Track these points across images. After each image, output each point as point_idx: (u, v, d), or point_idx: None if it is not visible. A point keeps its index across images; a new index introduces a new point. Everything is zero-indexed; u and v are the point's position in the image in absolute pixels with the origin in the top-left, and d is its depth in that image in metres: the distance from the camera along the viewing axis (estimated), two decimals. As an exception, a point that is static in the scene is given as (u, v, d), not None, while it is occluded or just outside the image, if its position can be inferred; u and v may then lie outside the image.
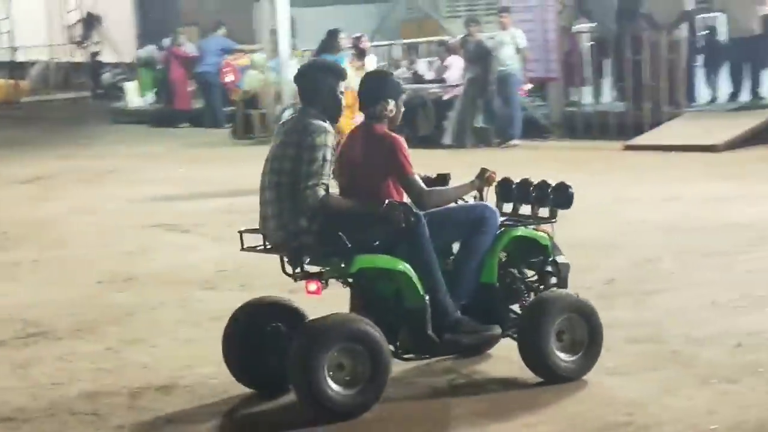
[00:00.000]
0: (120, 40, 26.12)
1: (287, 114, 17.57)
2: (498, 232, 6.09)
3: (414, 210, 5.86)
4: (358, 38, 14.10)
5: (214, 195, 13.03)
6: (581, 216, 10.51)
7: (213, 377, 6.51)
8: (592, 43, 17.58)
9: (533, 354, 5.99)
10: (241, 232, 6.38)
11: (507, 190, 6.43)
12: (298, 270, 5.96)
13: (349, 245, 5.69)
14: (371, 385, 5.67)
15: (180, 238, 10.80)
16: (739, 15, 16.06)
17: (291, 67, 19.12)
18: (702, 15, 19.64)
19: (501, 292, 6.14)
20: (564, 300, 6.06)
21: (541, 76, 17.01)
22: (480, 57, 16.29)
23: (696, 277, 8.15)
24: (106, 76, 26.23)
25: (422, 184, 6.03)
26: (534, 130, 16.77)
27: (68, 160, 17.09)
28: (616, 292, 7.87)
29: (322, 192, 5.79)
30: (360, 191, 5.98)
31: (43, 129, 22.32)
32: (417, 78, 17.52)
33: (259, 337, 6.09)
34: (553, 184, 6.35)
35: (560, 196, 6.29)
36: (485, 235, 6.02)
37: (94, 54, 28.23)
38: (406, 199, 6.03)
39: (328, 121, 5.95)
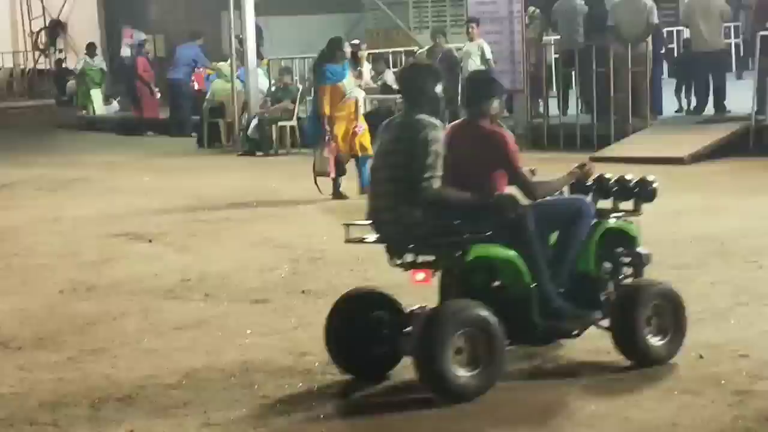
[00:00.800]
0: (85, 48, 26.00)
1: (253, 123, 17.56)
2: (593, 224, 6.50)
3: (521, 202, 6.29)
4: (356, 46, 14.29)
5: (179, 205, 12.97)
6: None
7: (175, 387, 6.47)
8: (558, 55, 17.63)
9: (627, 339, 6.32)
10: (347, 225, 6.64)
11: (602, 185, 6.76)
12: (402, 260, 6.30)
13: (466, 236, 6.03)
14: (488, 368, 5.96)
15: (144, 247, 10.74)
16: (704, 30, 16.17)
17: (258, 76, 19.14)
18: (668, 29, 19.87)
19: (597, 279, 6.53)
20: (653, 287, 6.46)
21: (507, 88, 17.02)
22: (447, 68, 16.30)
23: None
24: (71, 84, 26.09)
25: (530, 178, 6.46)
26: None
27: (32, 168, 17.00)
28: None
29: (438, 184, 6.11)
30: (466, 185, 6.28)
31: (6, 137, 22.17)
32: (385, 88, 17.51)
33: (363, 325, 6.39)
34: (636, 180, 6.73)
35: (644, 191, 6.69)
36: (583, 226, 6.44)
37: (59, 61, 28.10)
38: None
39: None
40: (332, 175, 12.98)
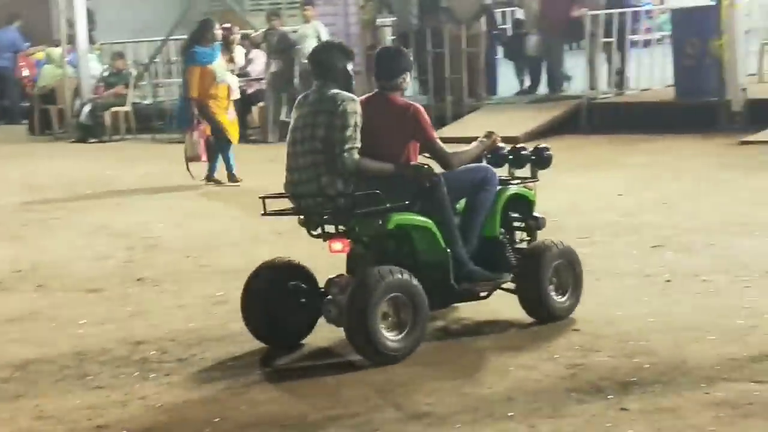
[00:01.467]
0: None
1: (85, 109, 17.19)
2: (497, 191, 6.82)
3: (434, 171, 6.56)
4: (228, 29, 13.88)
5: (9, 193, 12.64)
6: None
7: (7, 381, 6.33)
8: (394, 37, 17.71)
9: (532, 298, 6.74)
10: (263, 197, 6.75)
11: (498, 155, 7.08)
12: (318, 232, 6.57)
13: (388, 205, 6.29)
14: (414, 331, 6.26)
15: (-27, 238, 10.45)
16: (537, 9, 16.45)
17: (90, 61, 18.75)
18: (502, 9, 20.14)
19: (502, 243, 6.88)
20: (554, 249, 6.83)
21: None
22: (283, 50, 16.25)
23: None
24: None
25: (446, 148, 6.69)
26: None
27: None
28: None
29: (356, 156, 6.35)
30: (380, 156, 6.48)
31: None
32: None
33: (279, 295, 6.58)
34: (531, 149, 7.17)
35: (541, 158, 7.17)
36: (488, 193, 6.76)
37: None
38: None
39: None
40: (203, 158, 12.65)
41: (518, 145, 7.26)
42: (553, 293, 6.79)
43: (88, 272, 8.88)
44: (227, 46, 13.48)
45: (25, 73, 20.51)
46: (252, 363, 6.40)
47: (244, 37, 17.66)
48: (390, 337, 6.19)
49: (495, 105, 16.45)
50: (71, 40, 18.68)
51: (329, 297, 6.47)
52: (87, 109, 17.87)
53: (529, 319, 6.77)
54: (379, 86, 6.80)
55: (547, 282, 6.74)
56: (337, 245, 6.41)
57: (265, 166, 13.95)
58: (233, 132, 12.78)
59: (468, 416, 5.39)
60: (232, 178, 12.74)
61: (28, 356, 6.77)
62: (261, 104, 16.60)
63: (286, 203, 6.71)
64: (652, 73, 16.00)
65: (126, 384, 6.17)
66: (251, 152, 15.49)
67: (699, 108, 14.56)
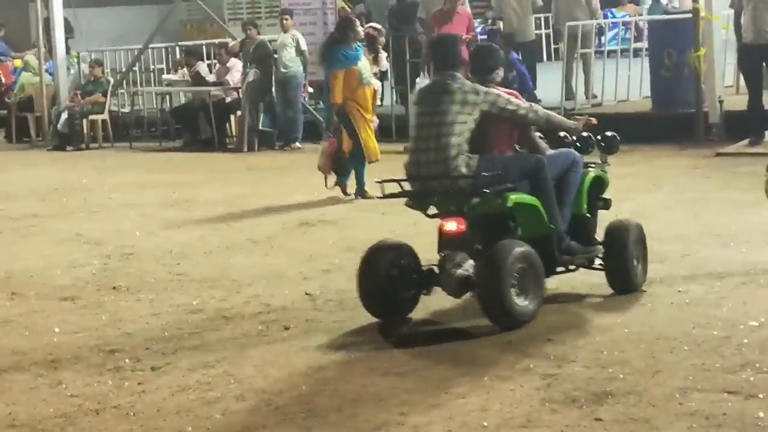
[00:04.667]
0: None
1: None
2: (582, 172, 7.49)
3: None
4: (376, 29, 13.02)
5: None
6: (359, 219, 10.65)
7: (-21, 390, 6.28)
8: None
9: (621, 271, 7.45)
10: (380, 182, 7.39)
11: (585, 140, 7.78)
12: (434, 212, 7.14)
13: (509, 185, 6.96)
14: (536, 297, 6.90)
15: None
16: (515, 22, 16.52)
17: (68, 68, 18.71)
18: (479, 20, 20.20)
19: (589, 220, 7.53)
20: (633, 227, 7.59)
21: (321, 80, 17.05)
22: (260, 59, 16.24)
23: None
24: None
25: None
26: (317, 133, 16.83)
27: None
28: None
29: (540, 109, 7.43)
30: (491, 140, 7.20)
31: None
32: (198, 80, 17.32)
33: (392, 273, 7.09)
34: (602, 136, 7.84)
35: (610, 145, 7.86)
36: (577, 174, 7.40)
37: None
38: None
39: None
40: (326, 171, 11.74)
41: (584, 134, 7.76)
42: (635, 268, 7.48)
43: (62, 280, 8.84)
44: (372, 46, 12.52)
45: (2, 80, 20.46)
46: (225, 372, 6.37)
47: (222, 46, 17.68)
48: (519, 302, 6.79)
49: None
50: (49, 47, 18.61)
51: (449, 271, 6.90)
52: (64, 117, 17.81)
53: (503, 329, 6.77)
54: (478, 80, 7.31)
55: (633, 257, 7.43)
56: (452, 224, 6.92)
57: (242, 175, 13.98)
58: (373, 149, 11.75)
59: (442, 426, 5.38)
60: (363, 193, 11.76)
61: (1, 364, 6.73)
62: (239, 113, 16.57)
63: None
64: (628, 84, 16.05)
65: (100, 392, 6.13)
66: (228, 161, 15.50)
67: (676, 119, 14.62)
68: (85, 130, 17.75)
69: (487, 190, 6.87)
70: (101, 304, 8.05)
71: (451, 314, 7.30)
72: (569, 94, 15.95)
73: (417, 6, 16.64)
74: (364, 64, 11.81)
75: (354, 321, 7.22)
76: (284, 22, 16.39)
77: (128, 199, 12.48)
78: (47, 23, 18.60)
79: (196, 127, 17.18)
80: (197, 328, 7.29)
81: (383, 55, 13.04)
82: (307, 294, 7.97)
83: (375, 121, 12.10)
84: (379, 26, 13.31)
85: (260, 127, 16.35)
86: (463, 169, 6.95)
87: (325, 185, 11.78)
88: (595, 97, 15.95)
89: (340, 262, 8.91)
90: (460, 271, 6.87)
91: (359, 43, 11.94)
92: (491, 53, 7.58)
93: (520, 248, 6.85)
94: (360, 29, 12.03)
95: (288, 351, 6.69)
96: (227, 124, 17.06)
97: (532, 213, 7.08)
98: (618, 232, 7.49)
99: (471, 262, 6.92)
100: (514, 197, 6.95)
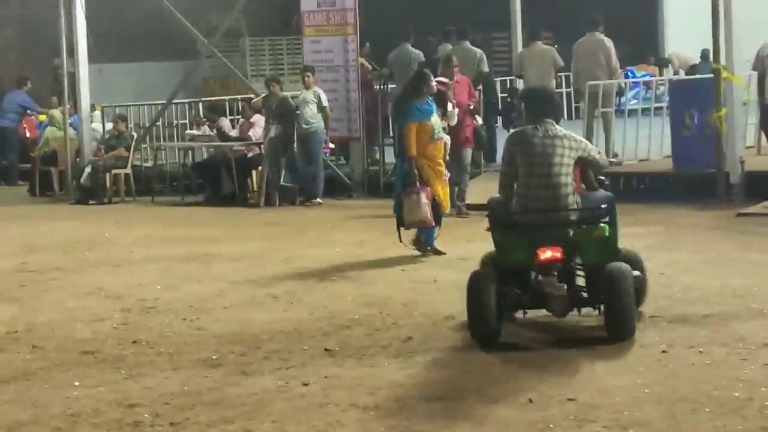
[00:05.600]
0: None
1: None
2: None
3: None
4: (443, 84, 12.73)
5: (8, 254, 12.64)
6: (379, 275, 10.66)
7: (-1, 443, 6.29)
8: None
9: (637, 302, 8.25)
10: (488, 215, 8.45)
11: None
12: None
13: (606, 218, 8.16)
14: (639, 312, 8.30)
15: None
16: (534, 79, 16.60)
17: (93, 123, 18.87)
18: (501, 78, 20.31)
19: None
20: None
21: (343, 136, 17.18)
22: (282, 115, 16.34)
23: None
24: None
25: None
26: (337, 188, 16.91)
27: None
28: (413, 349, 7.92)
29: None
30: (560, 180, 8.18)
31: None
32: (221, 135, 17.44)
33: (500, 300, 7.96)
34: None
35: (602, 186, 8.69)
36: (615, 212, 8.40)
37: None
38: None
39: None
40: (432, 223, 11.42)
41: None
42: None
43: (83, 334, 8.86)
44: (441, 101, 12.30)
45: (27, 134, 20.65)
46: (244, 428, 6.37)
47: (244, 101, 17.81)
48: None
49: (494, 173, 16.47)
50: (74, 102, 18.79)
51: (554, 293, 7.89)
52: (87, 171, 17.94)
53: (522, 389, 6.74)
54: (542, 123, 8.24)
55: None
56: (548, 253, 7.83)
57: (263, 230, 14.02)
58: (446, 200, 11.73)
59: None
60: (433, 248, 11.56)
61: (21, 418, 6.74)
62: (260, 168, 16.66)
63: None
64: (649, 143, 16.07)
65: (118, 447, 6.14)
66: (249, 216, 15.55)
67: (697, 179, 14.62)
68: (108, 184, 17.86)
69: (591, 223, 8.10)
70: (121, 358, 8.07)
71: (470, 374, 7.29)
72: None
73: (438, 62, 16.71)
74: (435, 119, 11.66)
75: (373, 378, 7.21)
76: (306, 78, 16.50)
77: (149, 253, 12.53)
78: (72, 78, 18.77)
79: (217, 182, 17.27)
80: (216, 383, 7.29)
81: (454, 111, 12.75)
82: (326, 350, 7.97)
83: (447, 175, 11.81)
84: (446, 80, 13.19)
85: (281, 182, 16.42)
86: (574, 205, 8.14)
87: (399, 239, 11.45)
88: (616, 156, 15.97)
89: (359, 318, 8.91)
90: (563, 293, 7.91)
91: (430, 98, 11.73)
92: (556, 103, 8.77)
93: (630, 270, 7.88)
94: (433, 83, 11.85)
95: (307, 407, 6.68)
96: (249, 180, 17.13)
97: (608, 242, 8.08)
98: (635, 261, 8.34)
99: (563, 284, 7.91)
100: (603, 228, 8.06)
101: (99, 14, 18.97)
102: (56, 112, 19.65)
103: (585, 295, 8.11)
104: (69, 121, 18.92)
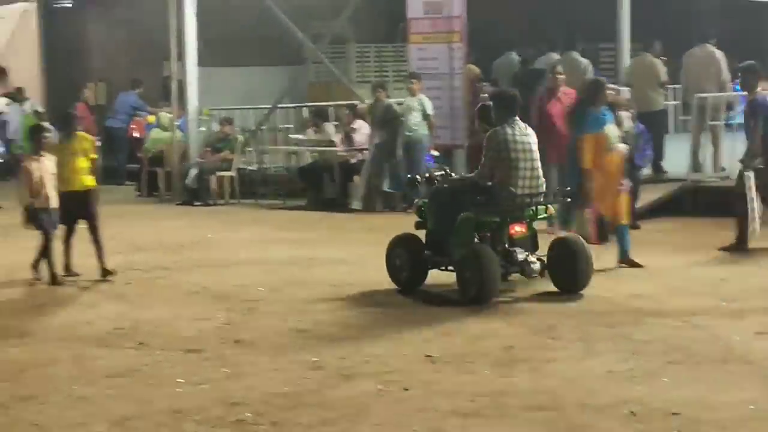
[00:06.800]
0: (27, 95, 25.82)
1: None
2: None
3: None
4: (614, 90, 12.37)
5: (116, 252, 12.83)
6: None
7: (104, 436, 6.41)
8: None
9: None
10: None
11: None
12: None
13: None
14: None
15: (78, 294, 10.64)
16: (642, 91, 16.42)
17: (199, 126, 19.14)
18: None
19: None
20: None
21: (447, 143, 17.18)
22: (387, 122, 16.40)
23: (595, 346, 8.20)
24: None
25: None
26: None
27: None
28: (514, 358, 7.90)
29: None
30: None
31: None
32: (325, 141, 17.57)
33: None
34: None
35: None
36: None
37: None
38: None
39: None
40: (592, 240, 11.09)
41: None
42: None
43: (187, 332, 9.00)
44: (613, 109, 12.01)
45: (136, 135, 21.00)
46: (344, 431, 6.40)
47: (349, 107, 17.90)
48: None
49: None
50: (182, 105, 19.08)
51: (529, 260, 9.88)
52: (193, 172, 18.19)
53: (625, 401, 6.68)
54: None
55: None
56: (519, 228, 9.97)
57: (364, 235, 14.07)
58: (621, 212, 11.25)
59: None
60: (627, 261, 11.23)
61: (126, 412, 6.86)
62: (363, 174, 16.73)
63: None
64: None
65: (221, 444, 6.22)
66: (350, 221, 15.62)
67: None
68: (212, 187, 18.09)
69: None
70: (224, 357, 8.17)
71: (572, 384, 7.25)
72: (696, 166, 15.78)
73: (542, 73, 16.63)
74: (611, 129, 11.37)
75: (474, 384, 7.21)
76: (411, 85, 16.54)
77: (253, 255, 12.66)
78: (180, 81, 19.05)
79: (320, 187, 17.39)
80: (317, 385, 7.34)
81: (626, 114, 12.44)
82: (427, 356, 7.98)
83: (624, 185, 11.42)
84: (617, 86, 12.89)
85: (384, 188, 16.48)
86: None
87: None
88: (723, 169, 15.73)
89: (460, 325, 8.91)
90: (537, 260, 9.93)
91: (605, 107, 11.53)
92: (518, 102, 10.30)
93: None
94: (608, 93, 11.60)
95: (407, 412, 6.70)
96: (351, 185, 17.22)
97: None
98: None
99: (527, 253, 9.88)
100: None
101: (208, 19, 19.22)
102: (164, 115, 19.96)
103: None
104: (176, 123, 19.21)
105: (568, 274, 9.88)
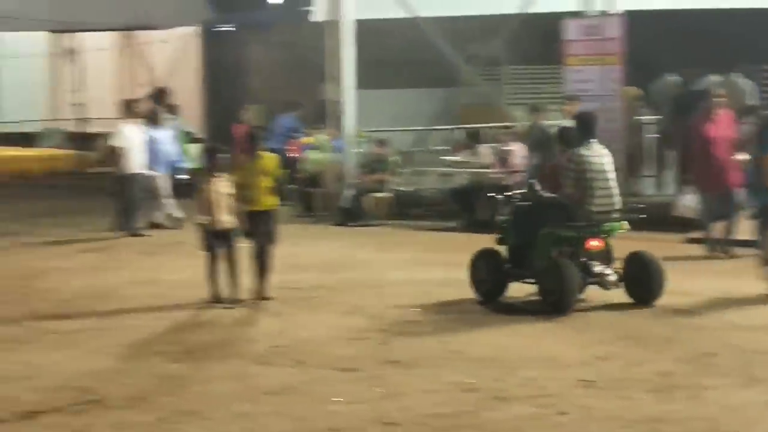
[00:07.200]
0: (188, 116, 26.53)
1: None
2: None
3: None
4: None
5: (273, 271, 13.07)
6: (636, 308, 10.52)
7: (264, 452, 6.53)
8: (657, 135, 17.55)
9: None
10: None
11: None
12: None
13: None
14: None
15: (238, 312, 10.87)
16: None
17: (356, 147, 19.37)
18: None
19: None
20: None
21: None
22: (543, 144, 16.33)
23: (755, 373, 8.04)
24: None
25: None
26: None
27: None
28: (672, 385, 7.79)
29: None
30: None
31: (107, 200, 22.54)
32: (479, 163, 17.59)
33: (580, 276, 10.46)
34: None
35: None
36: None
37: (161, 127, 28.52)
38: None
39: None
40: None
41: None
42: None
43: (343, 351, 9.11)
44: None
45: (292, 155, 21.33)
46: (501, 453, 6.41)
47: (504, 128, 17.88)
48: None
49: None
50: (338, 126, 19.32)
51: (605, 273, 10.51)
52: (349, 193, 18.41)
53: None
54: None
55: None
56: (596, 242, 10.55)
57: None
58: None
59: None
60: None
61: (284, 429, 7.00)
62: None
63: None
64: None
65: (377, 463, 6.27)
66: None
67: None
68: (367, 207, 18.27)
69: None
70: (380, 376, 8.25)
71: (731, 413, 7.11)
72: None
73: (702, 95, 16.36)
74: None
75: (631, 410, 7.14)
76: (567, 107, 16.45)
77: (406, 276, 12.74)
78: (336, 103, 19.31)
79: (473, 209, 17.40)
80: (472, 407, 7.37)
81: None
82: (583, 380, 7.93)
83: None
84: None
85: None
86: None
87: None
88: None
89: (616, 350, 8.83)
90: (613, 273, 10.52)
91: None
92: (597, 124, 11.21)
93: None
94: None
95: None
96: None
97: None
98: None
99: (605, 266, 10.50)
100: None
101: (363, 41, 19.45)
102: (321, 136, 20.25)
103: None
104: (332, 144, 19.47)
105: (643, 286, 10.53)
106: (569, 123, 16.13)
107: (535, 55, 24.93)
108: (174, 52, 29.31)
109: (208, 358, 9.01)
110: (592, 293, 10.68)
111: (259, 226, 11.37)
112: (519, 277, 10.95)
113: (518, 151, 17.14)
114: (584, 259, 10.58)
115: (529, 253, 10.75)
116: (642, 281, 10.56)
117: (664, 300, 10.56)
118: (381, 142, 19.15)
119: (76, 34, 28.63)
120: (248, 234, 11.36)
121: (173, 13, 28.61)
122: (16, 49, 33.91)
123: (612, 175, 10.76)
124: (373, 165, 18.88)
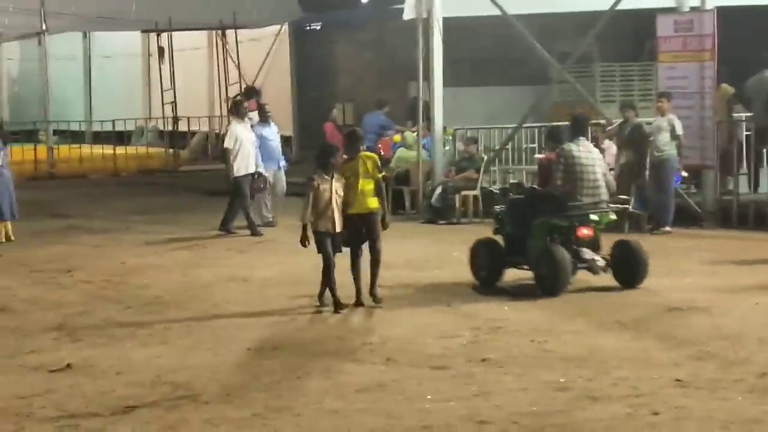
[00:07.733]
0: (278, 114, 26.75)
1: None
2: None
3: None
4: None
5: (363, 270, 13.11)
6: (732, 307, 10.36)
7: (355, 449, 6.55)
8: (750, 132, 17.29)
9: None
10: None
11: None
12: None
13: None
14: None
15: (328, 310, 10.90)
16: None
17: (444, 145, 19.34)
18: None
19: None
20: None
21: (696, 164, 16.81)
22: (635, 141, 16.16)
23: None
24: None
25: None
26: (687, 218, 16.54)
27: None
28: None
29: None
30: None
31: (198, 198, 22.86)
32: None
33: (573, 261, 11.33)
34: None
35: None
36: None
37: (252, 126, 28.76)
38: None
39: None
40: None
41: None
42: None
43: (433, 349, 9.11)
44: None
45: (382, 153, 21.37)
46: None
47: (596, 126, 17.73)
48: None
49: None
50: (427, 124, 19.32)
51: (595, 258, 11.39)
52: (438, 191, 18.40)
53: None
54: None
55: None
56: (586, 231, 11.42)
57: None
58: None
59: None
60: None
61: (375, 426, 7.00)
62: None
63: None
64: None
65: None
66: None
67: None
68: (457, 205, 18.25)
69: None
70: (471, 375, 8.23)
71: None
72: None
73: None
74: None
75: (727, 411, 7.04)
76: (660, 105, 16.26)
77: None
78: (426, 101, 19.32)
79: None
80: (564, 407, 7.32)
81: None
82: (677, 380, 7.83)
83: None
84: None
85: (630, 209, 16.22)
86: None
87: None
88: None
89: (712, 350, 8.72)
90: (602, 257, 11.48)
91: None
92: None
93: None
94: None
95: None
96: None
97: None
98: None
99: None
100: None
101: (453, 39, 19.43)
102: (409, 134, 20.27)
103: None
104: (422, 142, 19.47)
105: (628, 271, 11.48)
106: (665, 122, 16.05)
107: (626, 51, 24.72)
108: (264, 51, 29.57)
109: (299, 354, 9.06)
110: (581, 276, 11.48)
111: (360, 230, 11.01)
112: (515, 264, 11.79)
113: (610, 149, 16.97)
114: (575, 247, 11.40)
115: (525, 242, 11.59)
116: (628, 266, 11.50)
117: (760, 296, 10.41)
118: (471, 140, 19.10)
119: (169, 33, 28.97)
120: (347, 241, 11.00)
121: (264, 12, 28.87)
122: (110, 50, 34.52)
123: (600, 169, 11.79)
124: (463, 163, 18.84)
